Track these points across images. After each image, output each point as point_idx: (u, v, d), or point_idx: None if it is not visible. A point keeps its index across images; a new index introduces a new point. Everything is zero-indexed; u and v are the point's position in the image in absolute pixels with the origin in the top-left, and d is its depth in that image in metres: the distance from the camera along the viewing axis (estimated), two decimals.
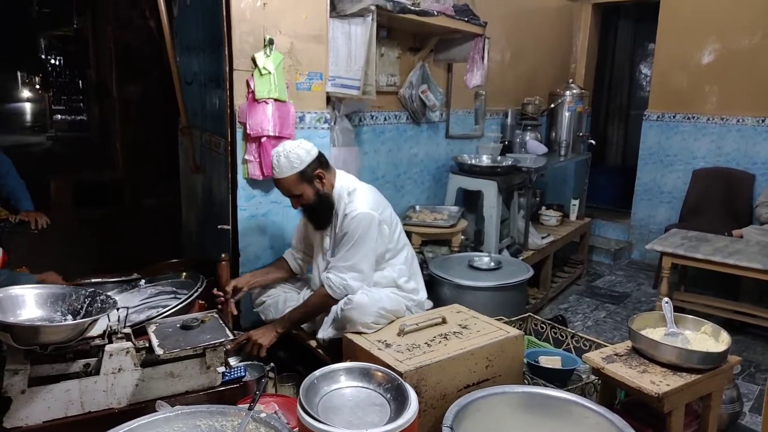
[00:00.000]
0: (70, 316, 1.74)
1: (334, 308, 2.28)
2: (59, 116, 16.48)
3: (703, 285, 4.23)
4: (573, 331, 2.65)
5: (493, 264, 3.18)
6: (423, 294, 2.57)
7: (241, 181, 2.65)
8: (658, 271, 3.79)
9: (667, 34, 5.14)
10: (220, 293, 2.39)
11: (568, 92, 4.93)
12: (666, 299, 2.10)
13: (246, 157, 2.63)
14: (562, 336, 2.64)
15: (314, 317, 2.44)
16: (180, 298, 2.23)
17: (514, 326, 2.55)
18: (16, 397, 1.57)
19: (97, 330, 1.74)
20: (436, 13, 3.17)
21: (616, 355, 1.97)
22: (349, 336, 2.13)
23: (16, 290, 1.68)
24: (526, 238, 4.04)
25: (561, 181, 5.50)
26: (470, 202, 3.96)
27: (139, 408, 1.73)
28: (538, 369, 2.23)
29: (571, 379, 2.27)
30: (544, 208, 4.88)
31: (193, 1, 3.27)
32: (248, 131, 2.57)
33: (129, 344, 1.75)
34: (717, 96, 4.94)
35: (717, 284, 4.15)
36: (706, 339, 1.97)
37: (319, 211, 2.37)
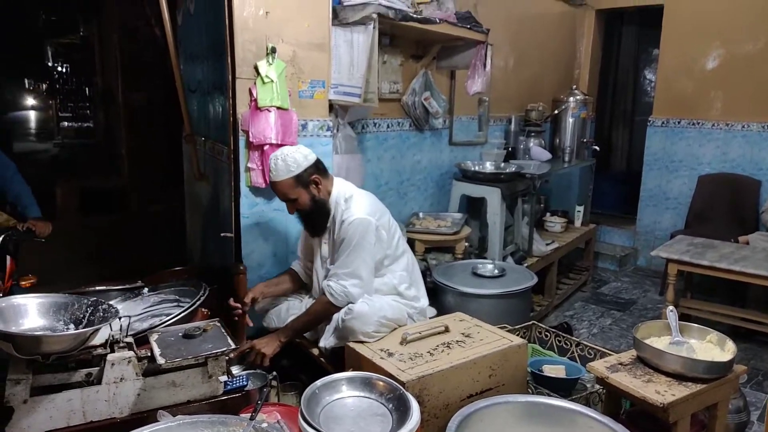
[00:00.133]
0: (72, 326, 1.74)
1: (335, 317, 2.28)
2: (66, 123, 16.59)
3: (709, 292, 4.20)
4: (578, 340, 2.63)
5: (496, 271, 3.17)
6: (424, 301, 2.56)
7: (243, 188, 2.65)
8: (664, 277, 3.76)
9: (670, 39, 5.14)
10: (238, 305, 2.38)
11: (571, 98, 4.92)
12: (671, 308, 2.08)
13: (249, 165, 2.63)
14: (567, 344, 2.62)
15: (317, 325, 2.44)
16: (183, 306, 2.22)
17: (518, 334, 2.54)
18: (18, 407, 1.57)
19: (99, 339, 1.73)
20: (438, 21, 3.17)
21: (620, 364, 1.95)
22: (352, 345, 2.13)
23: (18, 299, 1.69)
24: (531, 245, 4.03)
25: (565, 188, 5.48)
26: (474, 209, 3.95)
27: (141, 417, 1.73)
28: (542, 378, 2.22)
29: (576, 388, 2.26)
30: (548, 214, 4.86)
31: (196, 9, 3.29)
32: (251, 139, 2.58)
33: (131, 353, 1.75)
34: (722, 101, 4.92)
35: (724, 291, 4.12)
36: (712, 348, 1.96)
37: (315, 217, 2.38)
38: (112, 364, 1.71)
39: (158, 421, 1.60)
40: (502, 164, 4.16)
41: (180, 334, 1.90)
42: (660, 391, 1.77)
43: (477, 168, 3.97)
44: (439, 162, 4.07)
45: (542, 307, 4.05)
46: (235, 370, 2.31)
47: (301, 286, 2.66)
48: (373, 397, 1.68)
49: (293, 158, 2.28)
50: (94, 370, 1.71)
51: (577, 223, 4.95)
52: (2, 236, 2.70)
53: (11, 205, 3.13)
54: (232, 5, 2.48)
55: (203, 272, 3.19)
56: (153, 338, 1.86)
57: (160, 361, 1.72)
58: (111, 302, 2.23)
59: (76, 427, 1.67)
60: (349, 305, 2.22)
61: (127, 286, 2.60)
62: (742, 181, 4.72)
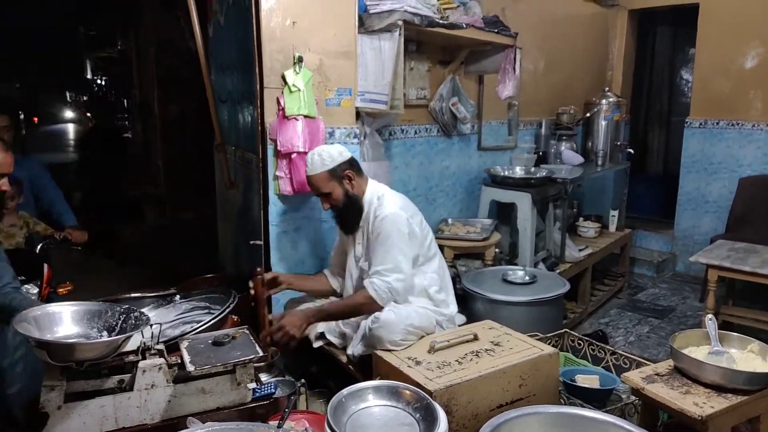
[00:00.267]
0: (105, 333, 1.78)
1: (363, 324, 2.27)
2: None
3: (752, 298, 4.03)
4: (612, 348, 2.56)
5: (527, 278, 3.12)
6: (453, 307, 2.53)
7: (272, 197, 2.68)
8: (705, 284, 3.64)
9: (707, 38, 4.99)
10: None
11: (604, 101, 4.82)
12: (710, 316, 2.01)
13: (277, 173, 2.66)
14: (601, 353, 2.55)
15: (351, 317, 2.40)
16: (213, 313, 2.25)
17: (549, 343, 2.49)
18: (52, 413, 1.61)
19: (131, 346, 1.77)
20: (465, 26, 3.15)
21: (656, 374, 1.89)
22: (379, 353, 2.12)
23: (53, 307, 1.73)
24: (563, 251, 3.95)
25: (599, 192, 5.36)
26: (504, 214, 3.90)
27: (172, 424, 1.75)
28: (575, 388, 2.16)
29: (610, 399, 2.19)
30: (581, 219, 4.76)
31: (226, 21, 3.35)
32: (279, 148, 2.60)
33: (162, 360, 1.78)
34: (762, 101, 4.75)
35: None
36: (753, 358, 1.88)
37: (348, 212, 2.40)
38: (144, 371, 1.74)
39: (188, 427, 1.63)
40: (533, 169, 4.10)
41: (209, 342, 1.92)
42: (698, 403, 1.70)
43: (507, 173, 3.92)
44: (468, 167, 4.04)
45: (576, 315, 3.96)
46: (264, 377, 2.33)
47: (327, 292, 2.66)
48: (399, 406, 1.67)
49: (328, 153, 2.35)
50: (126, 376, 1.74)
51: (612, 227, 4.83)
52: (40, 245, 2.79)
53: (45, 211, 3.23)
54: (260, 16, 2.52)
55: (234, 279, 3.24)
56: (183, 345, 1.88)
57: (190, 368, 1.74)
58: (144, 309, 2.29)
59: None
60: (376, 314, 2.21)
61: (161, 293, 2.65)
62: None
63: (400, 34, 2.78)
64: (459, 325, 2.55)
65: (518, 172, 4.02)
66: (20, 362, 2.19)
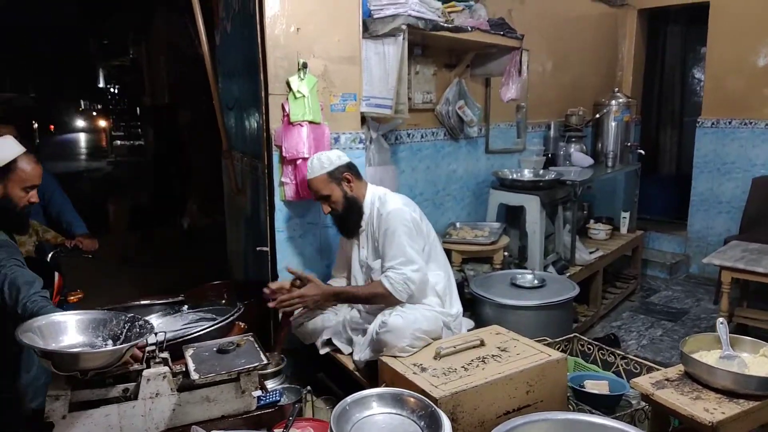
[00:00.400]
0: (110, 341, 1.78)
1: (370, 329, 2.26)
2: (119, 142, 17.35)
3: (767, 300, 3.97)
4: (623, 353, 2.52)
5: (536, 282, 3.08)
6: (458, 306, 2.53)
7: (278, 203, 2.68)
8: (718, 286, 3.58)
9: (718, 37, 4.93)
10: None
11: (613, 101, 4.77)
12: (721, 320, 1.97)
13: (282, 179, 2.66)
14: (611, 357, 2.51)
15: (369, 303, 2.43)
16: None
17: (558, 347, 2.46)
18: (57, 422, 1.61)
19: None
20: (470, 29, 3.14)
21: (666, 380, 1.86)
22: (385, 359, 2.10)
23: (57, 317, 1.74)
24: (573, 254, 3.91)
25: (610, 193, 5.31)
26: (513, 217, 3.87)
27: None
28: (584, 394, 2.13)
29: (620, 405, 2.16)
30: (592, 221, 4.71)
31: (233, 28, 3.37)
32: (284, 154, 2.61)
33: (166, 369, 1.78)
34: None
35: None
36: (765, 362, 1.83)
37: (348, 214, 2.44)
38: (148, 380, 1.74)
39: None
40: (541, 171, 4.06)
41: (214, 350, 1.92)
42: (709, 409, 1.67)
43: (515, 176, 3.89)
44: (476, 171, 4.01)
45: (587, 318, 3.92)
46: (270, 384, 2.32)
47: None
48: (404, 413, 1.65)
49: (327, 156, 2.42)
50: (131, 385, 1.74)
51: (623, 229, 4.77)
52: (51, 253, 2.81)
53: (55, 221, 3.25)
54: (264, 23, 2.53)
55: (242, 286, 3.24)
56: (188, 353, 1.88)
57: (194, 376, 1.74)
58: (152, 317, 2.30)
59: None
60: (383, 319, 2.19)
61: (169, 300, 2.66)
62: None
63: (404, 39, 2.77)
64: (467, 330, 2.53)
65: (527, 174, 3.99)
66: (44, 374, 2.20)
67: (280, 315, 2.59)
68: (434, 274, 2.46)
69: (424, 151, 3.59)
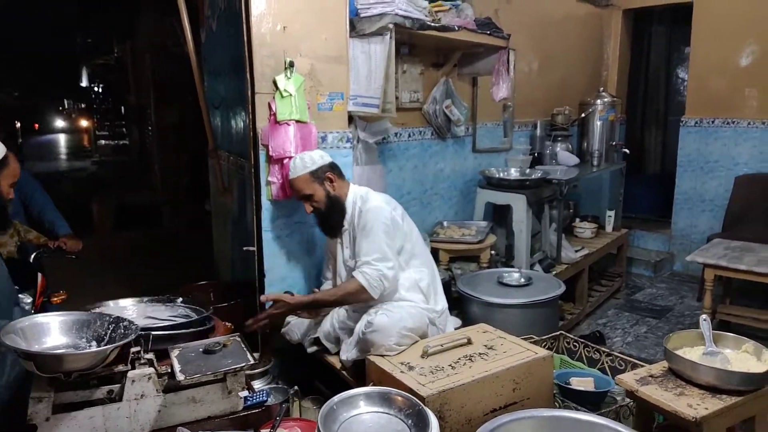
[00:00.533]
0: (94, 343, 1.76)
1: (357, 329, 2.26)
2: (103, 141, 17.17)
3: (749, 297, 4.02)
4: (608, 350, 2.54)
5: (523, 280, 3.10)
6: (443, 302, 2.54)
7: (265, 202, 2.66)
8: (702, 283, 3.63)
9: (702, 37, 4.99)
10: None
11: (599, 101, 4.81)
12: (704, 316, 1.99)
13: (269, 178, 2.65)
14: (597, 355, 2.53)
15: (342, 305, 2.44)
16: (206, 324, 2.21)
17: (544, 345, 2.48)
18: (40, 425, 1.59)
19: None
20: (457, 28, 3.15)
21: (651, 376, 1.88)
22: (372, 358, 2.10)
23: (41, 318, 1.72)
24: (559, 252, 3.94)
25: (596, 192, 5.35)
26: (500, 216, 3.89)
27: None
28: (569, 391, 2.15)
29: (605, 401, 2.18)
30: (578, 220, 4.75)
31: (218, 27, 3.35)
32: (271, 153, 2.59)
33: (151, 370, 1.76)
34: (757, 99, 4.75)
35: (765, 296, 3.94)
36: (748, 358, 1.86)
37: (330, 213, 2.45)
38: (133, 381, 1.73)
39: None
40: (528, 170, 4.09)
41: (200, 350, 1.91)
42: (692, 405, 1.69)
43: (502, 175, 3.91)
44: (463, 170, 4.03)
45: (573, 316, 3.95)
46: (257, 384, 2.32)
47: None
48: (391, 412, 1.65)
49: (309, 156, 2.44)
50: (116, 387, 1.73)
51: (608, 228, 4.82)
52: (34, 254, 2.77)
53: (36, 221, 3.21)
54: (250, 21, 2.51)
55: (229, 286, 3.23)
56: (174, 354, 1.87)
57: (180, 377, 1.73)
58: (144, 302, 2.28)
59: None
60: (369, 319, 2.19)
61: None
62: None
63: (391, 38, 2.77)
64: (454, 329, 2.54)
65: (513, 173, 4.02)
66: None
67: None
68: (418, 270, 2.46)
69: (411, 150, 3.59)
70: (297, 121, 2.60)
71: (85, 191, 9.55)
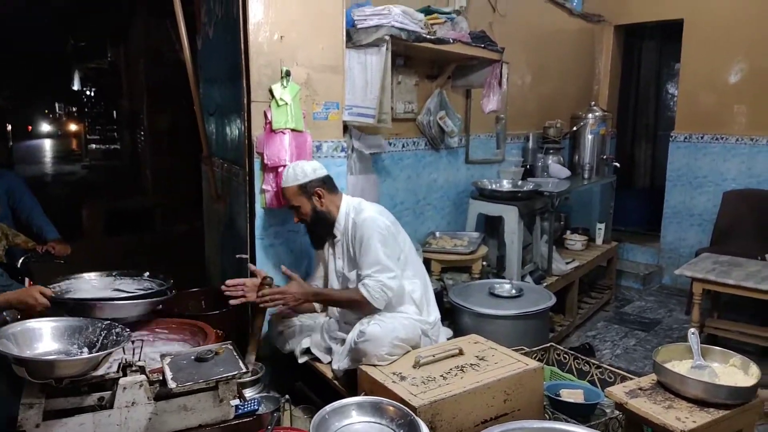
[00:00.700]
0: (86, 349, 1.76)
1: (349, 338, 2.26)
2: (94, 145, 17.08)
3: (738, 311, 4.06)
4: (597, 362, 2.56)
5: (514, 291, 3.12)
6: (436, 313, 2.55)
7: (258, 210, 2.67)
8: (690, 297, 3.67)
9: (692, 54, 5.07)
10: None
11: (590, 115, 4.87)
12: (692, 330, 2.02)
13: (264, 186, 2.65)
14: (586, 367, 2.55)
15: (345, 308, 2.45)
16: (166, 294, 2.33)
17: (535, 357, 2.49)
18: (31, 431, 1.58)
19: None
20: (452, 41, 3.18)
21: (640, 389, 1.90)
22: (364, 368, 2.10)
23: (33, 323, 1.71)
24: (550, 264, 3.97)
25: (586, 205, 5.40)
26: (491, 227, 3.92)
27: None
28: (559, 403, 2.16)
29: (595, 413, 2.19)
30: (569, 232, 4.79)
31: (215, 34, 3.36)
32: (266, 161, 2.60)
33: (143, 377, 1.76)
34: (746, 116, 4.83)
35: (753, 311, 3.99)
36: (735, 372, 1.89)
37: (315, 227, 2.47)
38: (124, 388, 1.72)
39: None
40: (520, 182, 4.12)
41: (192, 358, 1.90)
42: (681, 418, 1.71)
43: (494, 186, 3.94)
44: (456, 181, 4.05)
45: (563, 327, 3.98)
46: (249, 393, 2.31)
47: (311, 309, 2.66)
48: (383, 422, 1.66)
49: (302, 168, 2.44)
50: (107, 394, 1.72)
51: (599, 240, 4.86)
52: (21, 258, 2.76)
53: (25, 225, 3.19)
54: (248, 30, 2.53)
55: (221, 294, 3.21)
56: (165, 362, 1.86)
57: (172, 384, 1.72)
58: (112, 276, 2.42)
59: None
60: (361, 328, 2.20)
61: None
62: None
63: (387, 49, 2.80)
64: (447, 339, 2.55)
65: (505, 185, 4.05)
66: None
67: (251, 309, 2.58)
68: (410, 282, 2.47)
69: (405, 160, 3.61)
70: (292, 130, 2.61)
71: (76, 195, 9.48)
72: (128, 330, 1.81)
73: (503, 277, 3.55)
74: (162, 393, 1.77)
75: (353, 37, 2.84)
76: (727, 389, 1.76)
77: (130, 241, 6.73)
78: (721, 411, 1.74)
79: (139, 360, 1.81)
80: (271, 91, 2.59)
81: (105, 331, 1.78)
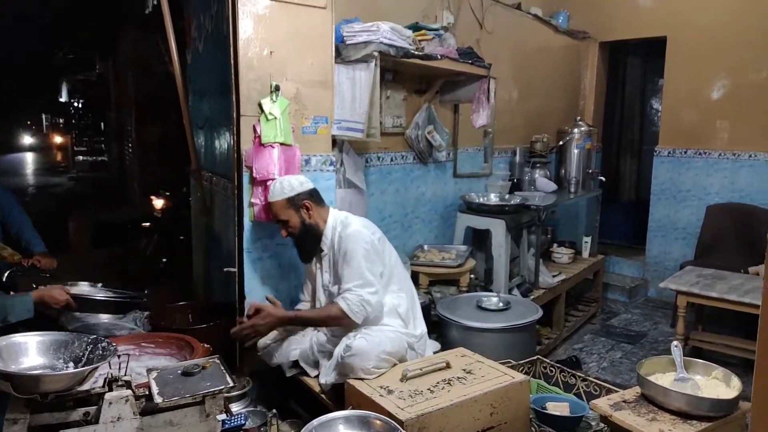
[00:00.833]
0: (72, 364, 1.74)
1: (336, 353, 2.26)
2: (81, 157, 16.97)
3: (721, 324, 4.11)
4: (583, 375, 2.58)
5: (501, 304, 3.14)
6: (422, 327, 2.56)
7: (247, 224, 2.68)
8: (675, 309, 3.71)
9: (675, 70, 5.17)
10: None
11: (576, 129, 4.95)
12: (675, 343, 2.05)
13: (252, 200, 2.66)
14: (572, 380, 2.57)
15: (324, 326, 2.47)
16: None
17: (521, 370, 2.51)
18: None
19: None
20: (439, 57, 3.23)
21: (624, 401, 1.92)
22: (351, 382, 2.11)
23: (18, 338, 1.70)
24: (537, 277, 4.00)
25: (573, 218, 5.46)
26: (479, 240, 3.95)
27: None
28: (545, 416, 2.17)
29: (580, 426, 2.21)
30: (555, 245, 4.83)
31: (205, 49, 3.38)
32: (255, 175, 2.61)
33: (129, 392, 1.74)
34: (728, 131, 4.92)
35: (736, 323, 4.04)
36: (717, 385, 1.92)
37: (304, 241, 2.49)
38: (110, 403, 1.70)
39: None
40: (507, 196, 4.16)
41: (179, 372, 1.90)
42: (664, 430, 1.73)
43: (481, 200, 3.97)
44: (444, 194, 4.09)
45: (550, 340, 4.00)
46: (235, 407, 2.30)
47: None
48: None
49: (288, 182, 2.46)
50: (92, 409, 1.70)
51: (585, 254, 4.90)
52: (7, 272, 2.74)
53: (14, 239, 3.17)
54: (238, 45, 2.55)
55: (209, 307, 3.21)
56: (152, 376, 1.85)
57: (158, 399, 1.71)
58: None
59: None
60: (348, 343, 2.20)
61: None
62: (751, 211, 4.67)
63: (376, 65, 2.84)
64: (433, 353, 2.56)
65: (493, 199, 4.08)
66: None
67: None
68: (396, 296, 2.48)
69: (393, 174, 3.64)
70: (281, 144, 2.63)
71: (62, 207, 9.40)
72: (114, 344, 1.80)
73: (491, 290, 3.57)
74: (148, 408, 1.76)
75: (342, 53, 2.87)
76: (709, 402, 1.79)
77: (116, 254, 6.67)
78: (703, 423, 1.76)
79: (125, 375, 1.80)
80: (260, 106, 2.61)
81: (91, 346, 1.77)
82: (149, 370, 1.89)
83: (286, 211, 2.43)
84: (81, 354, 1.75)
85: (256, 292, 2.71)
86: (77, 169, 15.67)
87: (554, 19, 5.22)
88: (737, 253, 4.45)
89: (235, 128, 2.63)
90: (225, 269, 2.75)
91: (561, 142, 4.99)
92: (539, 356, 2.76)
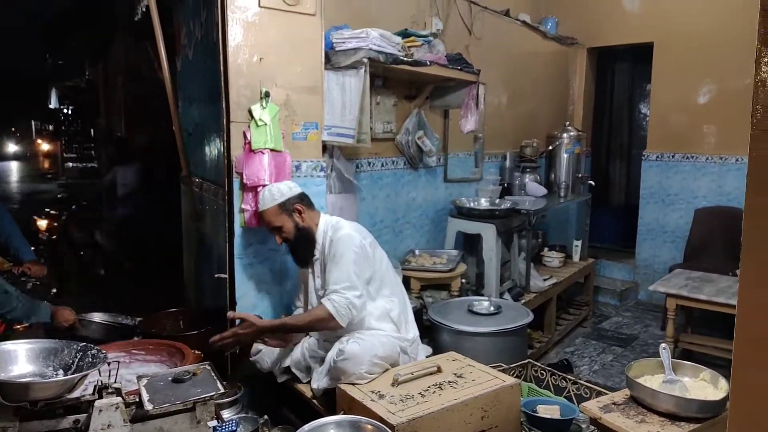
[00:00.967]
0: (61, 371, 1.74)
1: (328, 357, 2.27)
2: (71, 164, 16.86)
3: (710, 326, 4.15)
4: (573, 378, 2.60)
5: (492, 308, 3.16)
6: (414, 331, 2.56)
7: (237, 229, 2.68)
8: (664, 312, 3.74)
9: (662, 75, 5.23)
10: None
11: (565, 134, 4.99)
12: (663, 345, 2.07)
13: (243, 206, 2.67)
14: (563, 383, 2.59)
15: (309, 331, 2.47)
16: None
17: (512, 373, 2.52)
18: None
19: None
20: (428, 63, 3.25)
21: (613, 404, 1.93)
22: (343, 387, 2.11)
23: (8, 345, 1.69)
24: (528, 281, 4.02)
25: (563, 222, 5.50)
26: (470, 245, 3.97)
27: None
28: (536, 419, 2.18)
29: (571, 428, 2.22)
30: (546, 249, 4.86)
31: (195, 56, 3.39)
32: (245, 181, 2.62)
33: (119, 399, 1.74)
34: (715, 136, 4.98)
35: (724, 325, 4.08)
36: (705, 386, 1.94)
37: (300, 245, 2.48)
38: (100, 411, 1.69)
39: None
40: (497, 200, 4.18)
41: (169, 379, 1.89)
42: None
43: (472, 204, 3.99)
44: (435, 199, 4.10)
45: (542, 344, 4.01)
46: (226, 414, 2.29)
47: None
48: None
49: (278, 188, 2.47)
50: (82, 416, 1.69)
51: (576, 257, 4.93)
52: None
53: (3, 247, 3.16)
54: (227, 52, 2.56)
55: (199, 313, 3.20)
56: (142, 383, 1.85)
57: (148, 406, 1.71)
58: None
59: None
60: (340, 347, 2.21)
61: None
62: (738, 214, 4.71)
63: (365, 71, 2.85)
64: (426, 357, 2.57)
65: (483, 203, 4.10)
66: None
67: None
68: (388, 300, 2.48)
69: (384, 179, 3.65)
70: (271, 150, 2.64)
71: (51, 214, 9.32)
72: (104, 352, 1.80)
73: (482, 295, 3.59)
74: (138, 415, 1.75)
75: (332, 60, 2.89)
76: (697, 403, 1.81)
77: (107, 261, 6.63)
78: (692, 424, 1.78)
79: (115, 382, 1.79)
80: (250, 112, 2.62)
81: (80, 353, 1.76)
82: (139, 377, 1.89)
83: (278, 217, 2.43)
84: (71, 361, 1.75)
85: (247, 298, 2.71)
86: (67, 176, 15.56)
87: (543, 26, 5.27)
88: (725, 256, 4.50)
89: (225, 134, 2.63)
90: (216, 275, 2.74)
91: (551, 147, 5.03)
92: (530, 360, 2.78)
